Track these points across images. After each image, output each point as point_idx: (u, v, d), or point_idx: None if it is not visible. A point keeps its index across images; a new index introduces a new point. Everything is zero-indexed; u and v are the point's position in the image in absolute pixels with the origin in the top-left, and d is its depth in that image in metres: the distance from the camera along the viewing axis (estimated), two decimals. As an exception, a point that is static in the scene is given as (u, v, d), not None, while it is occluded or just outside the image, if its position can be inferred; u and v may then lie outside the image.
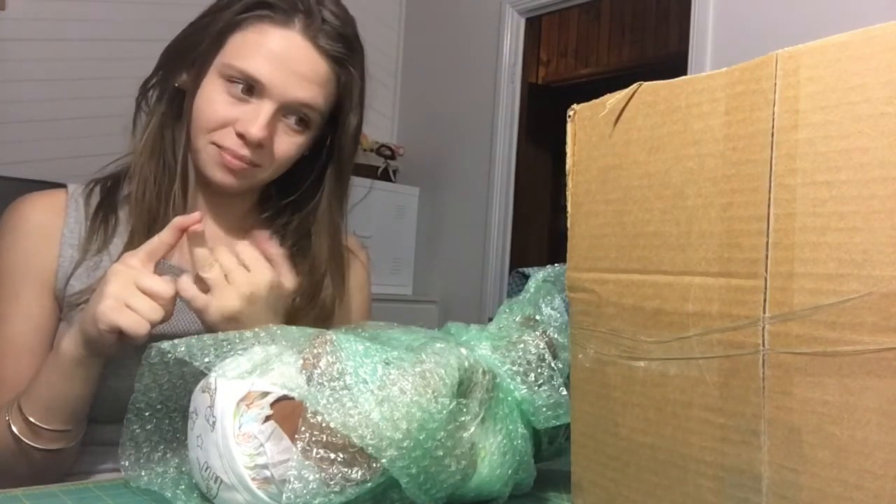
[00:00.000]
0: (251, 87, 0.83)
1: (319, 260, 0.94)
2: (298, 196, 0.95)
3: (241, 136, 0.83)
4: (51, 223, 0.87)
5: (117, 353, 0.75)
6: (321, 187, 0.95)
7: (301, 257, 0.93)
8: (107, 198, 0.90)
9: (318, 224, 0.95)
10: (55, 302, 0.85)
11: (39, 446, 0.76)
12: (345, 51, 0.88)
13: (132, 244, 0.85)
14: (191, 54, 0.88)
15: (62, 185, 0.92)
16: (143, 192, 0.88)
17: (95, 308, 0.71)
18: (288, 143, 0.87)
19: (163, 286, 0.72)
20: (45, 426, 0.75)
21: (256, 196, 0.97)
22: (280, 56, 0.83)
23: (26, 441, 0.76)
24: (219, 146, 0.85)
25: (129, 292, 0.71)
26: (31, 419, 0.75)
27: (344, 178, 0.96)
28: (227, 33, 0.85)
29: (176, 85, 0.90)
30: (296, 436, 0.51)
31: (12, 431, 0.76)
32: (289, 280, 0.79)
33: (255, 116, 0.83)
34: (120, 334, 0.71)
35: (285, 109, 0.85)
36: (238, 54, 0.84)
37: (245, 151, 0.84)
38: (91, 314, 0.71)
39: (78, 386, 0.76)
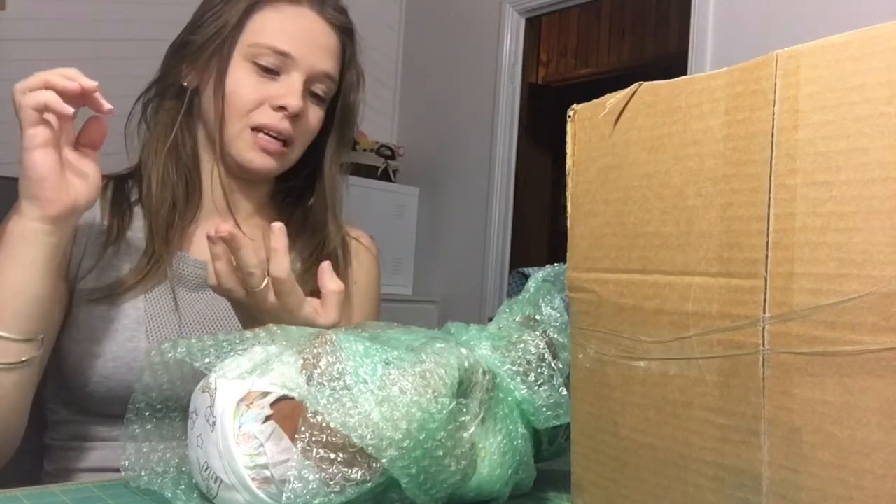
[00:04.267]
0: (279, 64, 0.88)
1: (326, 234, 0.97)
2: (306, 172, 0.99)
3: (280, 108, 0.88)
4: None
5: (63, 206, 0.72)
6: (323, 157, 0.98)
7: (309, 237, 0.97)
8: (122, 193, 0.92)
9: (319, 196, 0.98)
10: (67, 288, 0.86)
11: (3, 361, 0.72)
12: (347, 20, 0.94)
13: (151, 244, 0.87)
14: (202, 50, 0.90)
15: None
16: (157, 189, 0.89)
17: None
18: (314, 116, 0.93)
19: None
20: (5, 334, 0.71)
21: (272, 184, 1.00)
22: (301, 30, 0.89)
23: None
24: (257, 128, 0.88)
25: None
26: None
27: (343, 145, 0.99)
28: (245, 18, 0.89)
29: (184, 84, 0.91)
30: (296, 436, 0.51)
31: None
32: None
33: (290, 89, 0.88)
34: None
35: (308, 82, 0.90)
36: (262, 33, 0.88)
37: (285, 125, 0.88)
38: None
39: (30, 271, 0.71)
